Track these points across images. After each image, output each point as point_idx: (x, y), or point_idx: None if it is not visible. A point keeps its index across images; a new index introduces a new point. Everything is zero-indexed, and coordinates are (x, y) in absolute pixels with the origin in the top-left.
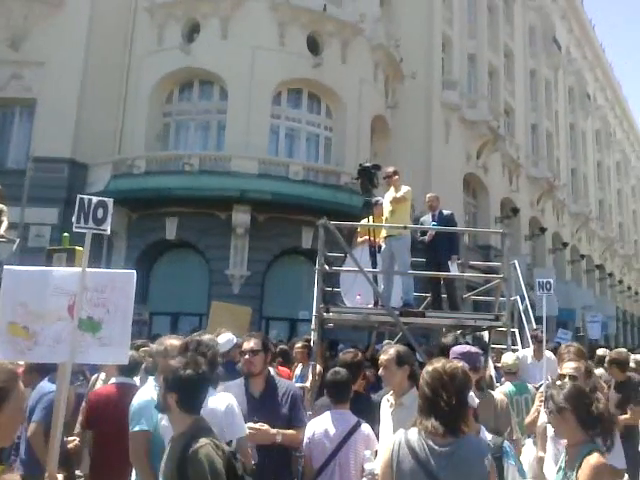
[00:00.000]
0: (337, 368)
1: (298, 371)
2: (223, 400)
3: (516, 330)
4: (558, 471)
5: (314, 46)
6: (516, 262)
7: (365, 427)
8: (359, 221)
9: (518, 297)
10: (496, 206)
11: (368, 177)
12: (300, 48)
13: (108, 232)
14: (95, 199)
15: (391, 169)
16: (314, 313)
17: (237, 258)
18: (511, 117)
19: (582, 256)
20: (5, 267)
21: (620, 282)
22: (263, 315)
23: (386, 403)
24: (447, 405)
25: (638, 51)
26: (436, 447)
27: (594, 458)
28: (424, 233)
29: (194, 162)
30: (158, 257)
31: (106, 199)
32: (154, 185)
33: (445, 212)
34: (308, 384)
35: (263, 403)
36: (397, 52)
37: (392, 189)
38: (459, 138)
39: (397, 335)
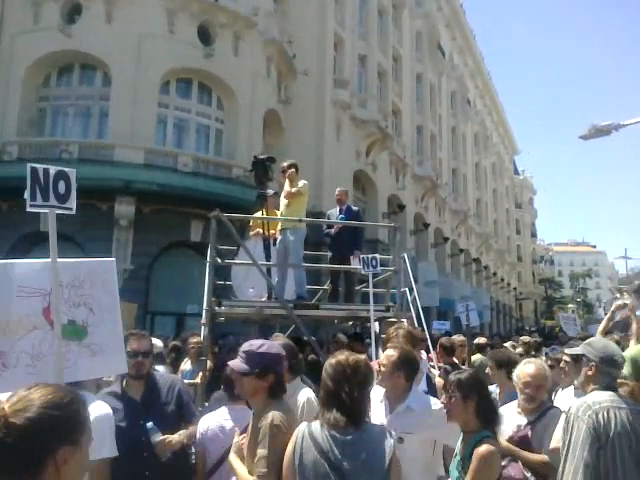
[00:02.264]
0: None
1: (187, 366)
2: (94, 410)
3: (405, 321)
4: (454, 456)
5: (205, 36)
6: (405, 255)
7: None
8: (252, 214)
9: (407, 289)
10: (384, 202)
11: (262, 169)
12: (191, 37)
13: (73, 211)
14: (53, 169)
15: (288, 162)
16: (205, 307)
17: (120, 251)
18: (398, 118)
19: (461, 250)
20: None
21: (494, 274)
22: (149, 310)
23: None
24: (349, 397)
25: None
26: (338, 436)
27: (483, 447)
28: (330, 226)
29: (73, 150)
30: (31, 251)
31: (67, 169)
32: (27, 173)
33: (354, 208)
34: (199, 380)
35: (147, 405)
36: (290, 48)
37: (288, 182)
38: (350, 136)
39: (289, 328)
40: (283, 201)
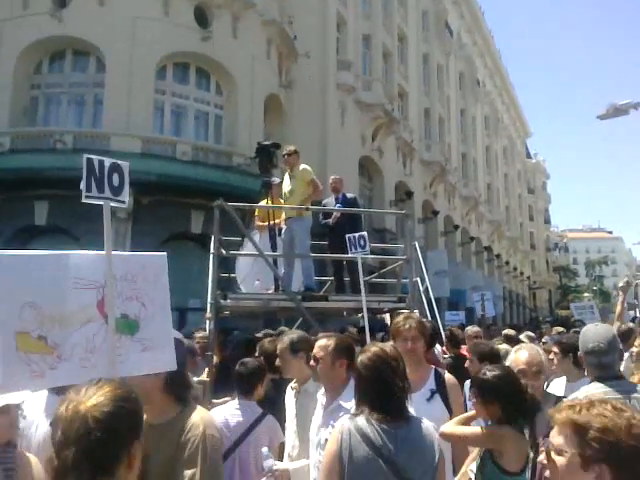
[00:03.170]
0: (246, 359)
1: None
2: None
3: (417, 311)
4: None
5: (202, 18)
6: (416, 243)
7: (269, 419)
8: (255, 203)
9: (419, 279)
10: (391, 189)
11: (267, 156)
12: (187, 20)
13: (126, 204)
14: (108, 161)
15: (292, 148)
16: (210, 301)
17: (118, 244)
18: (405, 101)
19: (472, 238)
20: None
21: (507, 263)
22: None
23: (290, 391)
24: (396, 389)
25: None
26: (391, 430)
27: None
28: (328, 216)
29: (67, 140)
30: (27, 245)
31: (121, 162)
32: (21, 164)
33: (349, 195)
34: (205, 377)
35: None
36: (291, 29)
37: (291, 169)
38: (354, 120)
39: (295, 321)
40: (286, 188)
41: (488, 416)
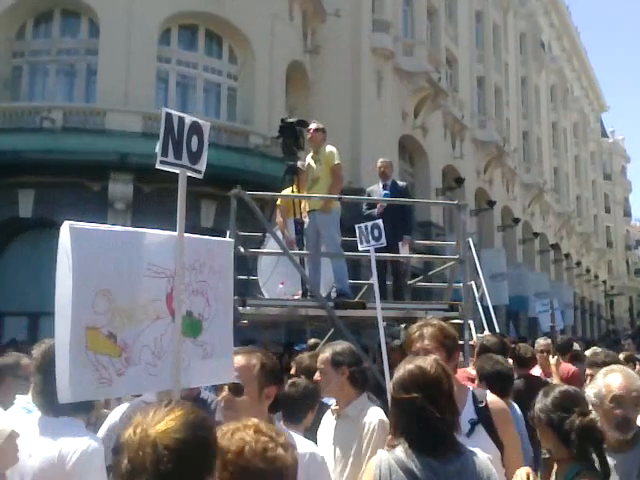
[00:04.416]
0: (295, 379)
1: None
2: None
3: (471, 322)
4: None
5: None
6: (471, 240)
7: (318, 454)
8: (277, 192)
9: (473, 283)
10: (437, 175)
11: (292, 136)
12: None
13: (201, 175)
14: (189, 119)
15: (318, 125)
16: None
17: None
18: (454, 68)
19: (535, 234)
20: (69, 224)
21: (578, 264)
22: None
23: (329, 415)
24: (441, 414)
25: None
26: (439, 466)
27: None
28: (372, 206)
29: (56, 117)
30: (10, 241)
31: (201, 121)
32: (2, 146)
33: (400, 183)
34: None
35: None
36: None
37: (315, 150)
38: (393, 92)
39: (324, 332)
40: (311, 173)
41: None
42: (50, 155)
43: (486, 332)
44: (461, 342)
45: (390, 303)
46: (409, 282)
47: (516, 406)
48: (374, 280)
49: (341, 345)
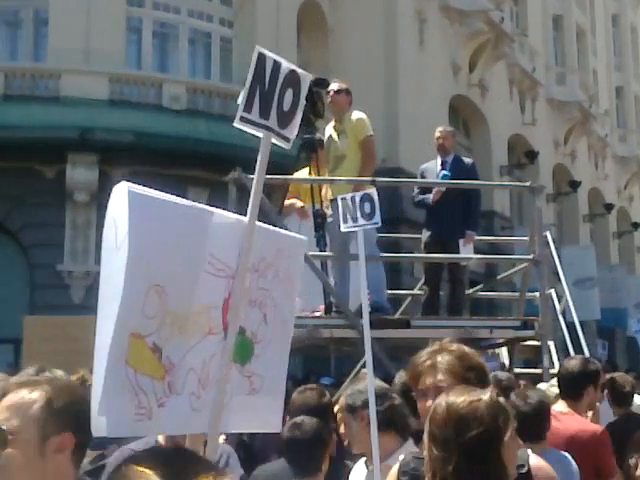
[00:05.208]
0: (300, 418)
1: None
2: None
3: (552, 343)
4: None
5: None
6: (548, 234)
7: None
8: (289, 174)
9: (553, 291)
10: (501, 148)
11: (307, 100)
12: None
13: (289, 145)
14: (286, 64)
15: (340, 84)
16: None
17: (78, 243)
18: (521, 4)
19: (635, 225)
20: (128, 187)
21: None
22: None
23: (360, 468)
24: (494, 463)
25: None
26: None
27: None
28: (425, 190)
29: None
30: None
31: (301, 71)
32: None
33: (466, 160)
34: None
35: None
36: None
37: (338, 119)
38: (440, 39)
39: (355, 359)
40: (334, 149)
41: None
42: None
43: (572, 356)
44: (538, 370)
45: (443, 319)
46: (468, 291)
47: (569, 458)
48: (360, 286)
49: (364, 382)
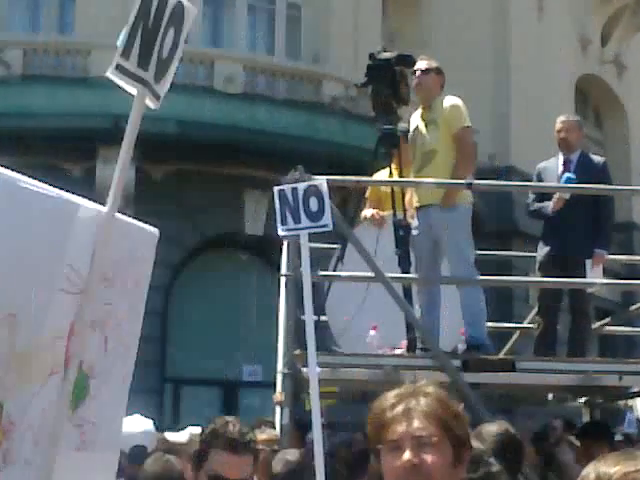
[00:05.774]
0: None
1: None
2: None
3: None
4: None
5: None
6: None
7: None
8: (370, 174)
9: None
10: None
11: (389, 81)
12: None
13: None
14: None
15: (429, 62)
16: (281, 369)
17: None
18: None
19: None
20: None
21: None
22: (167, 375)
23: None
24: None
25: None
26: None
27: None
28: (544, 197)
29: (13, 59)
30: None
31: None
32: None
33: (596, 158)
34: None
35: None
36: None
37: (426, 105)
38: (565, 4)
39: None
40: (421, 143)
41: None
42: (1, 121)
43: None
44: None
45: (559, 361)
46: (594, 325)
47: None
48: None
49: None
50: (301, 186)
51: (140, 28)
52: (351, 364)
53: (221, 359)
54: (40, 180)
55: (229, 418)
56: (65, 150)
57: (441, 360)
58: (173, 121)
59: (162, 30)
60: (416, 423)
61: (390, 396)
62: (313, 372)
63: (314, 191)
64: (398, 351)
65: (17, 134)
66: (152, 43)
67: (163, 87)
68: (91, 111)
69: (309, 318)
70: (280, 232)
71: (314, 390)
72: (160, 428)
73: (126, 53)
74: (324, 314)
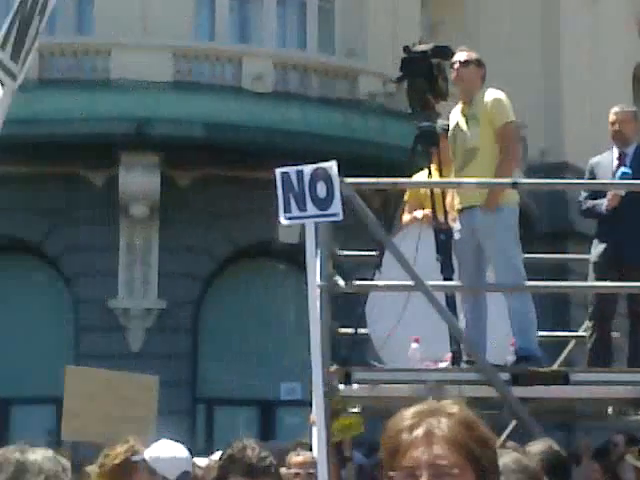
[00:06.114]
0: None
1: None
2: None
3: None
4: None
5: None
6: None
7: None
8: (409, 175)
9: None
10: None
11: (425, 76)
12: None
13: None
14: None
15: (469, 54)
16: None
17: (136, 272)
18: None
19: None
20: None
21: None
22: (198, 395)
23: None
24: None
25: None
26: None
27: None
28: (598, 194)
29: (29, 63)
30: None
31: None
32: None
33: None
34: None
35: None
36: None
37: (467, 99)
38: None
39: (503, 426)
40: (462, 141)
41: None
42: (17, 128)
43: None
44: None
45: (616, 372)
46: None
47: None
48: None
49: (506, 457)
50: (307, 169)
51: (18, 18)
52: (393, 381)
53: (256, 376)
54: (58, 191)
55: (247, 441)
56: (85, 158)
57: (488, 373)
58: (199, 124)
59: (37, 17)
60: (436, 449)
61: (407, 415)
62: (319, 392)
63: (322, 175)
64: (442, 365)
65: (33, 142)
66: (25, 30)
67: (21, 68)
68: (112, 115)
69: (315, 327)
70: (282, 221)
71: (320, 416)
72: (192, 453)
73: (4, 43)
74: (364, 326)
